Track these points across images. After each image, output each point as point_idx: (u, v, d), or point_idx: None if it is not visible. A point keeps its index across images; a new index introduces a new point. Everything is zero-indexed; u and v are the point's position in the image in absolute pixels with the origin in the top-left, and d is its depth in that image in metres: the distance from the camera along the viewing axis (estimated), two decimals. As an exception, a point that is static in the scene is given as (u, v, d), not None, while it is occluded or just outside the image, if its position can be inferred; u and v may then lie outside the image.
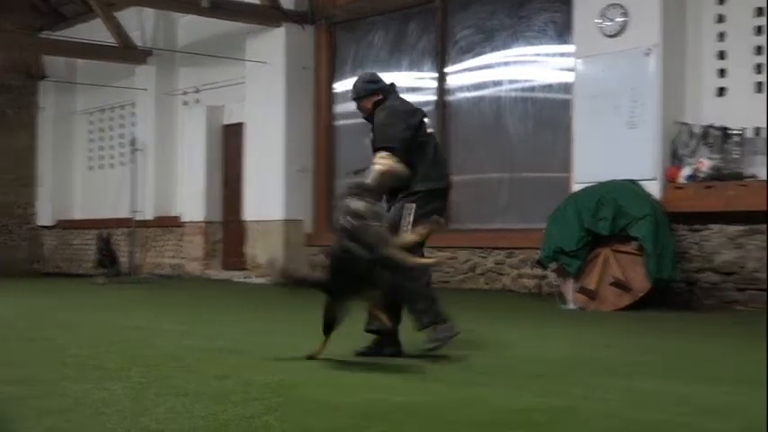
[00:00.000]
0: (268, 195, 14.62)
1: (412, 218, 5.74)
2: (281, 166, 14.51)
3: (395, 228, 5.64)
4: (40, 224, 20.15)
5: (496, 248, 11.81)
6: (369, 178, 5.50)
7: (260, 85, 14.76)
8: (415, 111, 6.08)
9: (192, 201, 16.45)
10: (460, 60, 12.99)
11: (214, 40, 15.71)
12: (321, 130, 14.77)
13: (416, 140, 5.94)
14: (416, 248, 5.64)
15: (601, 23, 10.52)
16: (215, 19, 14.92)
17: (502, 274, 11.95)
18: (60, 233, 19.94)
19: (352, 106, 14.45)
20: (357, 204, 5.29)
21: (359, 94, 6.17)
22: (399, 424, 3.89)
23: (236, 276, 15.08)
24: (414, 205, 5.78)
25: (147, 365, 5.43)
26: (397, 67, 13.82)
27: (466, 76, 12.87)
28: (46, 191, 19.87)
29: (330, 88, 14.79)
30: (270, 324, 8.46)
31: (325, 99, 14.78)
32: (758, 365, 5.53)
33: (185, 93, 16.88)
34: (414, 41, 13.66)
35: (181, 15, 16.35)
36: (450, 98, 13.06)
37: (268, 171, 14.61)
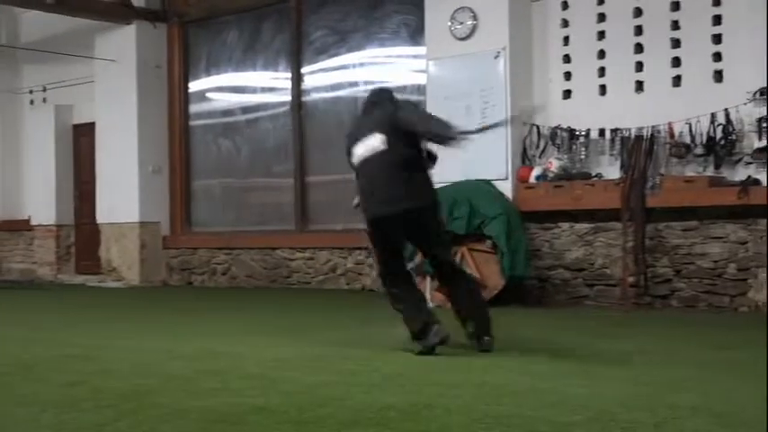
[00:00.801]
0: (122, 197, 14.40)
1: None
2: (134, 167, 14.32)
3: None
4: None
5: (356, 248, 11.95)
6: None
7: (110, 83, 14.53)
8: (347, 135, 6.51)
9: (42, 203, 16.05)
10: (316, 61, 13.11)
11: (62, 37, 15.33)
12: (175, 130, 14.63)
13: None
14: None
15: (451, 26, 10.80)
16: (62, 15, 14.55)
17: (361, 274, 12.12)
18: None
19: (207, 106, 14.67)
20: None
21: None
22: (254, 426, 3.95)
23: (91, 281, 14.80)
24: None
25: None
26: (252, 66, 13.84)
27: (322, 76, 13.01)
28: None
29: (185, 87, 14.68)
30: (125, 329, 8.36)
31: (180, 98, 14.65)
32: (603, 358, 5.84)
33: (31, 91, 16.42)
34: (268, 41, 13.70)
35: (24, 11, 15.86)
36: (306, 98, 13.18)
37: (121, 172, 14.39)
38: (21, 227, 16.46)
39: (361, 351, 6.24)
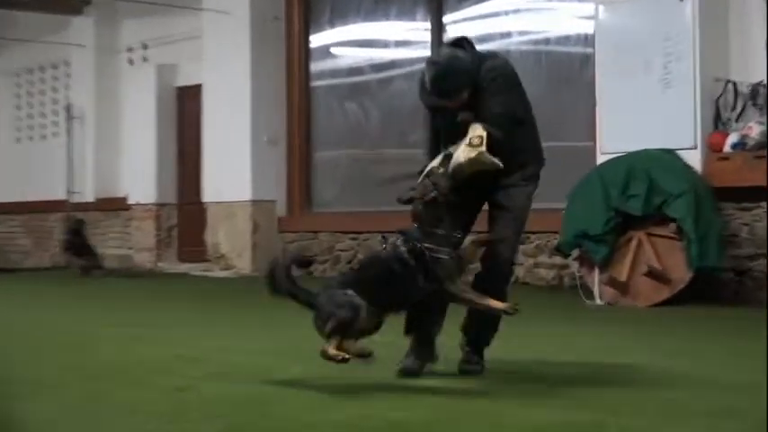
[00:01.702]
0: (232, 172, 14.63)
1: None
2: (246, 137, 14.54)
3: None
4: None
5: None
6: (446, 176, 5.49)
7: (221, 39, 14.75)
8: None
9: (140, 179, 16.47)
10: (460, 8, 13.07)
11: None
12: (295, 93, 14.77)
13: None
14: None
15: (628, -39, 10.59)
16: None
17: (514, 264, 11.96)
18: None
19: (332, 64, 14.76)
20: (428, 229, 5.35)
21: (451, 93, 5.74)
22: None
23: (195, 269, 15.08)
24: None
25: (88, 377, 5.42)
26: (384, 16, 13.85)
27: (467, 26, 12.88)
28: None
29: (306, 42, 14.79)
30: (237, 327, 8.46)
31: (300, 55, 14.77)
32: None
33: (131, 50, 16.84)
34: (403, -16, 13.70)
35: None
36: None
37: (232, 143, 14.61)
38: (116, 206, 16.92)
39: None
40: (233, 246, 14.71)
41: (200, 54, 15.18)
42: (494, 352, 5.68)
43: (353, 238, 13.89)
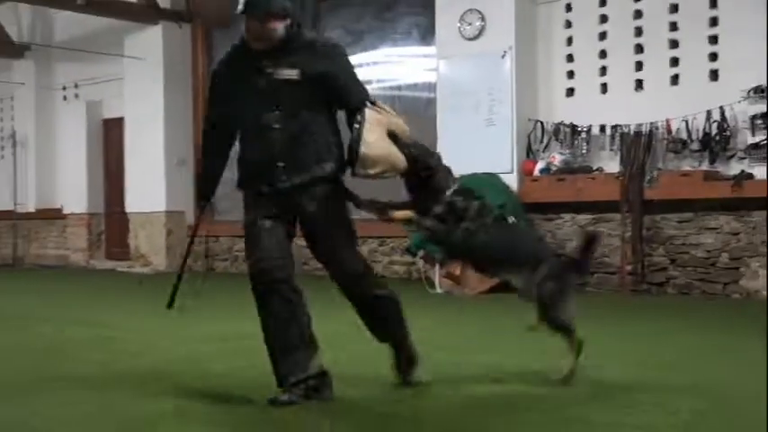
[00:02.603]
0: (149, 187, 14.43)
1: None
2: (161, 159, 14.36)
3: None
4: None
5: (370, 237, 11.95)
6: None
7: (138, 80, 14.53)
8: None
9: (74, 193, 16.09)
10: (331, 59, 13.01)
11: (92, 37, 15.33)
12: (199, 124, 14.61)
13: None
14: None
15: (460, 27, 10.75)
16: (92, 15, 14.57)
17: (375, 261, 12.11)
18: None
19: None
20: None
21: (271, 8, 4.08)
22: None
23: (120, 266, 14.84)
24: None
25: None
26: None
27: (337, 74, 12.93)
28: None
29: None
30: (151, 315, 8.33)
31: (203, 93, 14.62)
32: (602, 340, 5.86)
33: (64, 88, 16.43)
34: (287, 40, 13.63)
35: (57, 11, 15.87)
36: (322, 95, 13.11)
37: (148, 164, 14.42)
38: (54, 215, 16.50)
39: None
40: (151, 247, 14.53)
41: (122, 92, 14.94)
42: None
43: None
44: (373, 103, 4.26)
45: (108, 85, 15.34)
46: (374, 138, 4.10)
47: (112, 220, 15.73)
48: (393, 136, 4.18)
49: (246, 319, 4.61)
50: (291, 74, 4.10)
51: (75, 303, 9.64)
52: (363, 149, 4.07)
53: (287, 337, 4.08)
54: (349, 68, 4.31)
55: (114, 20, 14.49)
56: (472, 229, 4.33)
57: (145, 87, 14.46)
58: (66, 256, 16.32)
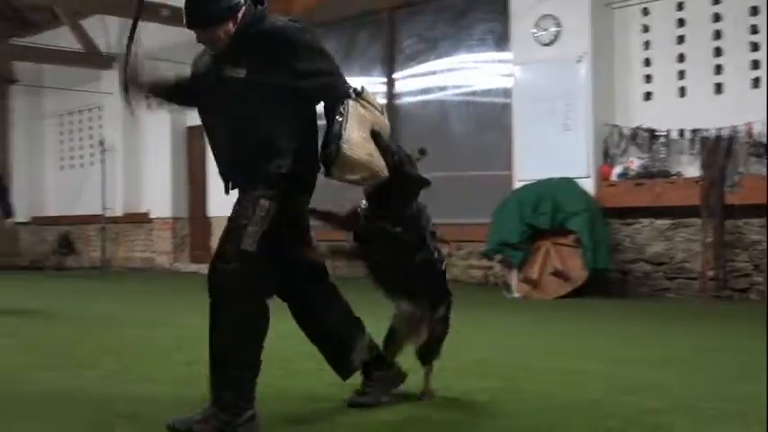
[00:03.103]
0: (231, 193, 14.48)
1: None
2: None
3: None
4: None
5: (445, 242, 11.81)
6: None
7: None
8: None
9: (159, 197, 16.31)
10: (407, 67, 12.95)
11: (174, 48, 15.44)
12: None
13: None
14: None
15: (536, 33, 10.57)
16: (176, 27, 14.72)
17: (451, 266, 11.97)
18: (36, 229, 19.62)
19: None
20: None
21: (210, 16, 3.65)
22: None
23: (203, 269, 14.90)
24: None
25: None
26: (348, 72, 13.56)
27: (412, 81, 12.85)
28: (19, 189, 19.46)
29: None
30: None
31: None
32: (684, 347, 5.67)
33: (149, 97, 16.60)
34: (364, 49, 13.60)
35: (144, 23, 16.06)
36: (398, 102, 13.04)
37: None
38: (141, 219, 16.78)
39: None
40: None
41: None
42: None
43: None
44: (359, 94, 3.59)
45: (191, 95, 15.46)
46: (358, 138, 3.48)
47: (196, 224, 15.90)
48: (375, 136, 3.57)
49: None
50: (238, 73, 3.63)
51: (160, 305, 9.73)
52: (346, 149, 3.43)
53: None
54: (307, 56, 3.61)
55: (196, 31, 14.62)
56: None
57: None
58: (151, 259, 16.56)
